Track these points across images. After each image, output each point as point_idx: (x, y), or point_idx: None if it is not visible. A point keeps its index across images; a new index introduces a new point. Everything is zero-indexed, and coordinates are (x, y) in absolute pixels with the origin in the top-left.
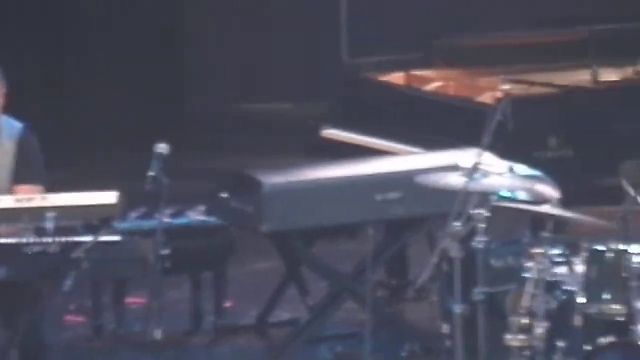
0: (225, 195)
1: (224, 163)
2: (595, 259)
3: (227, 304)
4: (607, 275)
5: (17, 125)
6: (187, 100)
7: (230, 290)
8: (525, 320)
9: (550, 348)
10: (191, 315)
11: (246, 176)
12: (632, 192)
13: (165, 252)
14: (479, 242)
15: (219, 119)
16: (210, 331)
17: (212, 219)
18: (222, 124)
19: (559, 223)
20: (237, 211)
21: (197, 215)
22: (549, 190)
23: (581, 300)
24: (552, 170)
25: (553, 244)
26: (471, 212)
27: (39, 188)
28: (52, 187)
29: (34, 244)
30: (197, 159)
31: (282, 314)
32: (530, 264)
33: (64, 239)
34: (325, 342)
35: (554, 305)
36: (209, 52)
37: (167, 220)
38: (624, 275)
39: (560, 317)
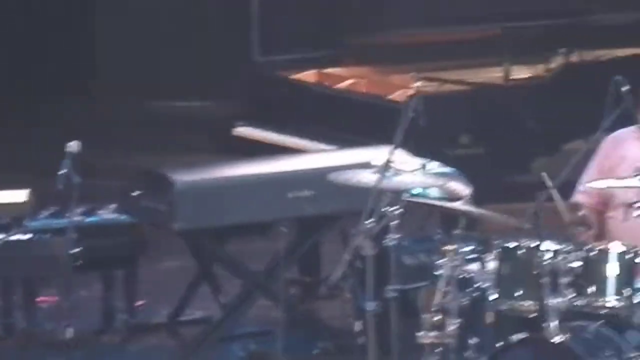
0: (136, 193)
1: (135, 161)
2: (506, 255)
3: (139, 302)
4: (518, 271)
5: None
6: (98, 98)
7: (141, 289)
8: (437, 317)
9: (462, 345)
10: (102, 314)
11: (157, 174)
12: (549, 183)
13: (76, 250)
14: (391, 239)
15: (130, 117)
16: (121, 329)
17: (124, 217)
18: (133, 122)
19: (471, 220)
20: (149, 209)
21: (108, 214)
22: (461, 187)
23: (493, 296)
24: (464, 167)
25: (465, 240)
26: (383, 209)
27: None
28: None
29: None
30: (108, 157)
31: (194, 312)
32: (442, 261)
33: None
34: (238, 340)
35: (465, 302)
36: (119, 50)
37: (78, 218)
38: (535, 272)
39: (472, 314)
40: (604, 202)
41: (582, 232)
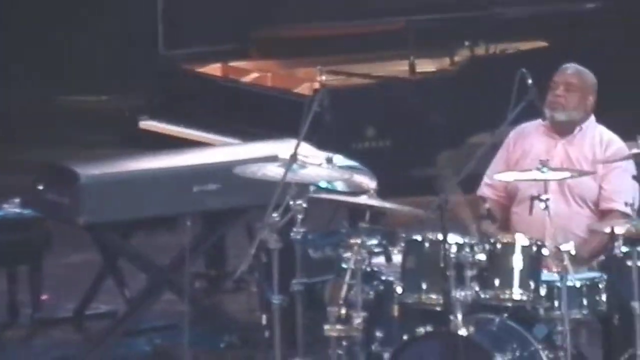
0: (40, 187)
1: (39, 155)
2: (412, 248)
3: (44, 297)
4: (424, 265)
5: None
6: (1, 92)
7: (46, 283)
8: (343, 311)
9: (368, 338)
10: (7, 308)
11: (62, 168)
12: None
13: None
14: (297, 232)
15: (34, 111)
16: (26, 324)
17: (28, 211)
18: (37, 116)
19: (377, 213)
20: (53, 203)
21: (11, 208)
22: (367, 181)
23: (399, 290)
24: (370, 161)
25: (371, 234)
26: (289, 203)
27: None
28: None
29: None
30: (11, 151)
31: (99, 307)
32: (348, 254)
33: None
34: (144, 334)
35: (371, 295)
36: (21, 44)
37: None
38: (441, 264)
39: (378, 307)
40: (509, 195)
41: (487, 225)
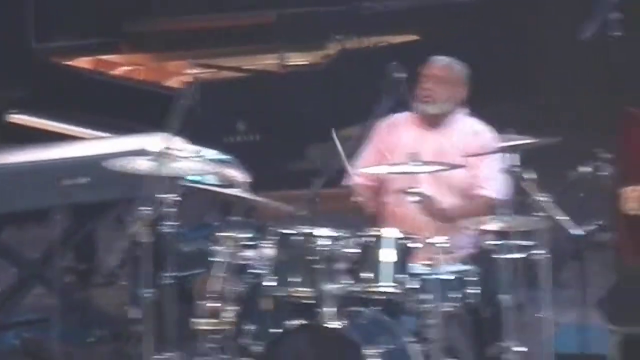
0: None
1: None
2: (283, 242)
3: None
4: (295, 258)
5: None
6: None
7: None
8: (213, 304)
9: (239, 331)
10: None
11: None
12: (340, 149)
13: None
14: (168, 226)
15: None
16: None
17: None
18: None
19: (248, 207)
20: None
21: None
22: (238, 174)
23: (270, 283)
24: (241, 154)
25: (242, 227)
26: (160, 196)
27: None
28: None
29: None
30: None
31: None
32: (219, 248)
33: None
34: (13, 328)
35: (242, 288)
36: None
37: None
38: (311, 258)
39: (249, 301)
40: (379, 187)
41: (357, 217)
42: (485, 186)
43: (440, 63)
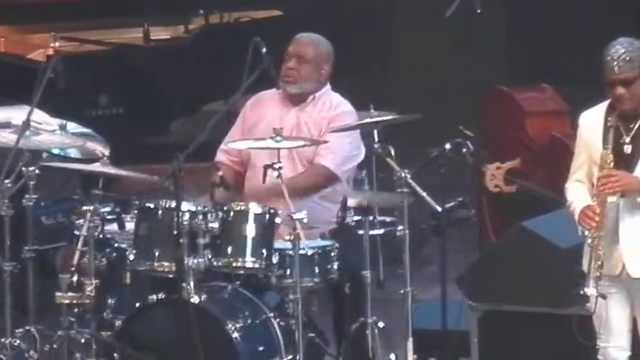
0: None
1: None
2: (145, 216)
3: None
4: (157, 232)
5: None
6: None
7: None
8: (75, 278)
9: (100, 305)
10: None
11: None
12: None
13: None
14: (29, 199)
15: None
16: None
17: None
18: None
19: (110, 180)
20: None
21: None
22: (100, 148)
23: (131, 257)
24: (103, 128)
25: (104, 201)
26: (21, 169)
27: None
28: None
29: None
30: None
31: None
32: (80, 221)
33: None
34: None
35: (104, 262)
36: None
37: None
38: (173, 232)
39: (111, 274)
40: (243, 161)
41: (221, 192)
42: (323, 155)
43: (305, 40)
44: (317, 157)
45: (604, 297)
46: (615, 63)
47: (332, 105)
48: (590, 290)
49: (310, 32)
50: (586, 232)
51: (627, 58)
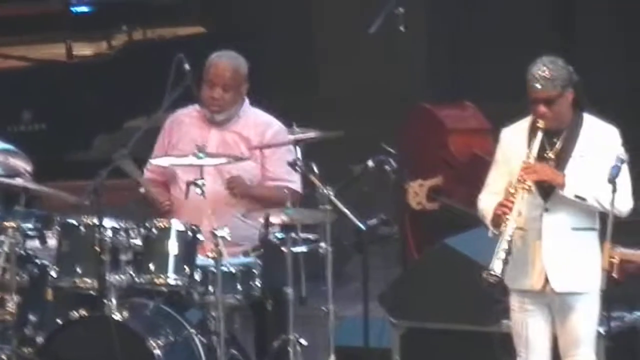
0: None
1: None
2: (67, 232)
3: None
4: (79, 248)
5: None
6: None
7: None
8: None
9: (22, 321)
10: None
11: None
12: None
13: None
14: None
15: None
16: None
17: None
18: None
19: (32, 197)
20: None
21: None
22: (22, 164)
23: (53, 273)
24: (26, 144)
25: (26, 217)
26: None
27: None
28: None
29: None
30: None
31: None
32: (2, 238)
33: None
34: None
35: (25, 278)
36: None
37: None
38: (96, 248)
39: (32, 291)
40: (168, 179)
41: (147, 209)
42: (290, 179)
43: (224, 66)
44: (280, 181)
45: (502, 289)
46: (538, 82)
47: (259, 123)
48: (496, 268)
49: (226, 51)
50: (496, 232)
51: (550, 77)
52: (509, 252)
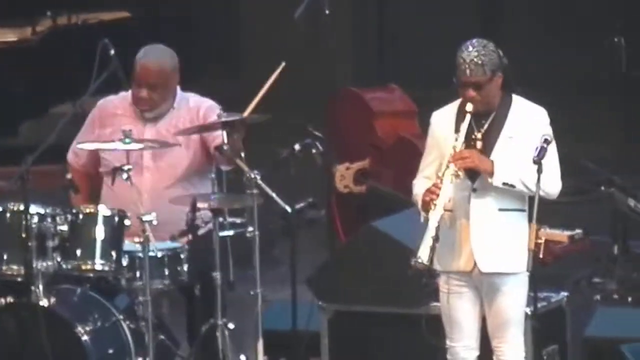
0: None
1: None
2: None
3: None
4: (5, 235)
5: None
6: None
7: None
8: None
9: None
10: None
11: None
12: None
13: None
14: None
15: None
16: None
17: None
18: None
19: None
20: None
21: None
22: None
23: None
24: None
25: None
26: None
27: None
28: None
29: None
30: None
31: None
32: None
33: None
34: None
35: None
36: None
37: None
38: (22, 235)
39: None
40: (94, 164)
41: (71, 194)
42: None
43: (151, 66)
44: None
45: (432, 275)
46: (467, 66)
47: (193, 107)
48: (423, 256)
49: (153, 46)
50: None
51: (479, 62)
52: (436, 239)
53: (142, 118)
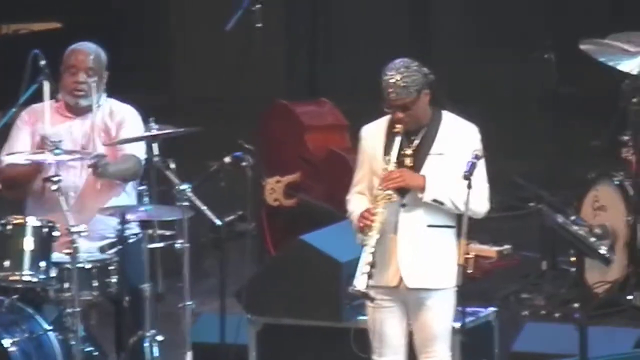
0: None
1: None
2: None
3: None
4: None
5: None
6: None
7: None
8: None
9: None
10: None
11: None
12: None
13: None
14: None
15: None
16: None
17: None
18: None
19: None
20: None
21: None
22: None
23: None
24: None
25: None
26: None
27: None
28: None
29: None
30: None
31: None
32: None
33: None
34: None
35: None
36: None
37: None
38: None
39: None
40: (26, 175)
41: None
42: (131, 147)
43: (86, 52)
44: (125, 150)
45: (370, 299)
46: (392, 90)
47: (112, 112)
48: (359, 285)
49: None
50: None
51: (403, 84)
52: (372, 265)
53: (67, 117)
